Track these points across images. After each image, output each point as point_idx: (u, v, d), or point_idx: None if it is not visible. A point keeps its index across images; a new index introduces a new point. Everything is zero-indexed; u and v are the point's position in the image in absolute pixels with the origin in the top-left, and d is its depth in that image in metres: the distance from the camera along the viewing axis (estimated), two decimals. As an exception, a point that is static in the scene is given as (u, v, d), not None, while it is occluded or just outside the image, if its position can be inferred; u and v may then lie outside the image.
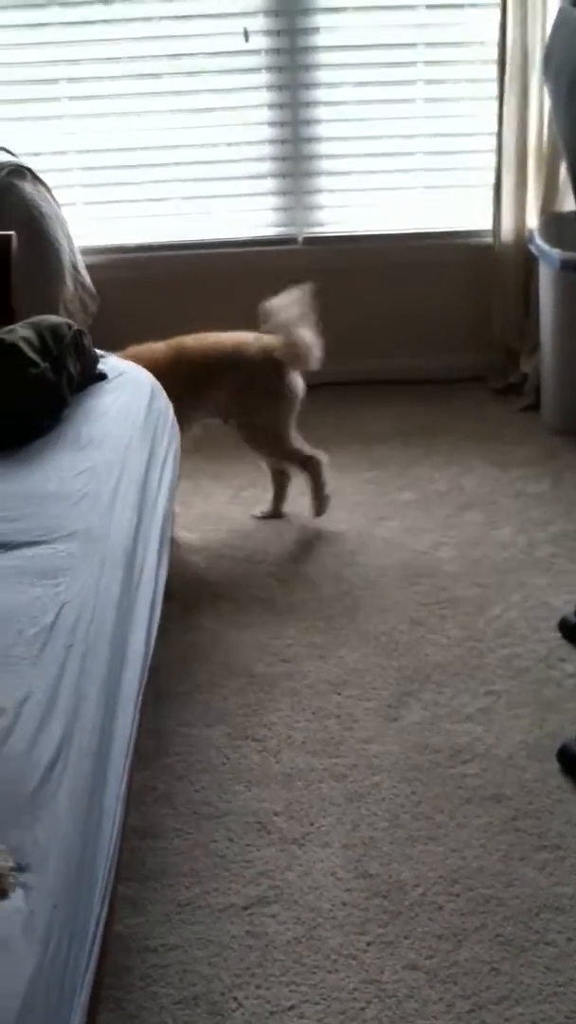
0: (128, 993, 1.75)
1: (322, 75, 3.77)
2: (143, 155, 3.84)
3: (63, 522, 1.99)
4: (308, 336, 3.06)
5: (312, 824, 2.08)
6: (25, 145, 3.57)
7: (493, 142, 3.74)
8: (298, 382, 3.10)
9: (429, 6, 3.71)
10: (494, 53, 3.64)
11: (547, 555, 2.95)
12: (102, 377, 2.57)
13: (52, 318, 2.50)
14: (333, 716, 2.37)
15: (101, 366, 2.59)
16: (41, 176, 3.39)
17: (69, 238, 3.45)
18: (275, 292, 3.94)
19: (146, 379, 2.65)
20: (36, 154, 3.61)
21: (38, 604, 1.74)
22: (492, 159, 3.76)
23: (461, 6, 3.73)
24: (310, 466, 3.11)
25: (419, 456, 3.54)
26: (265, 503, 3.23)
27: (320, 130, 3.84)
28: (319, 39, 3.72)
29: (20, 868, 1.29)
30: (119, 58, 3.71)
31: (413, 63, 3.79)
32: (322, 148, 3.87)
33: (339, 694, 2.44)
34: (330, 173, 3.91)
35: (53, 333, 2.41)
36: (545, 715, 2.35)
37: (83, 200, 3.85)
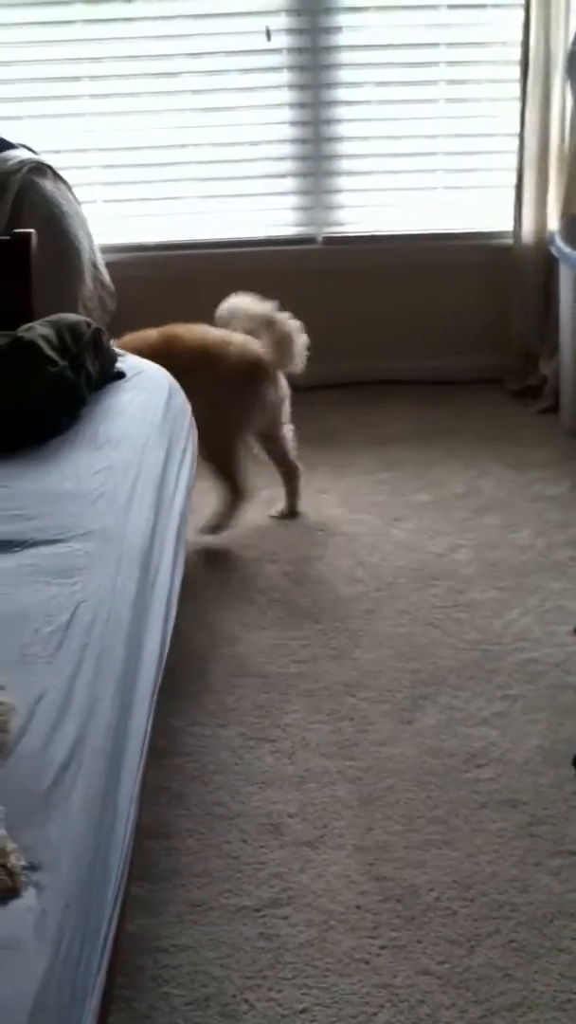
0: (139, 993, 1.75)
1: (343, 74, 3.77)
2: (163, 153, 3.86)
3: (80, 521, 1.99)
4: (293, 329, 3.02)
5: (326, 827, 2.08)
6: (46, 143, 3.59)
7: (515, 143, 3.73)
8: (272, 393, 3.03)
9: (451, 6, 3.71)
10: (517, 54, 3.63)
11: (565, 558, 2.94)
12: (120, 376, 2.57)
13: (71, 316, 2.51)
14: (347, 718, 2.36)
15: (119, 365, 2.59)
16: (62, 174, 3.40)
17: (89, 236, 3.46)
18: (294, 292, 3.95)
19: (164, 378, 2.65)
20: (57, 151, 3.62)
21: (54, 603, 1.74)
22: (513, 160, 3.75)
23: (484, 6, 3.72)
24: (236, 495, 3.06)
25: (436, 457, 3.53)
26: (281, 501, 3.22)
27: (341, 130, 3.84)
28: (341, 38, 3.72)
29: (32, 867, 1.29)
30: (141, 56, 3.72)
31: (435, 63, 3.79)
32: (343, 148, 3.87)
33: (354, 696, 2.43)
34: (350, 173, 3.91)
35: (72, 331, 2.41)
36: (562, 720, 2.33)
37: (103, 198, 3.86)
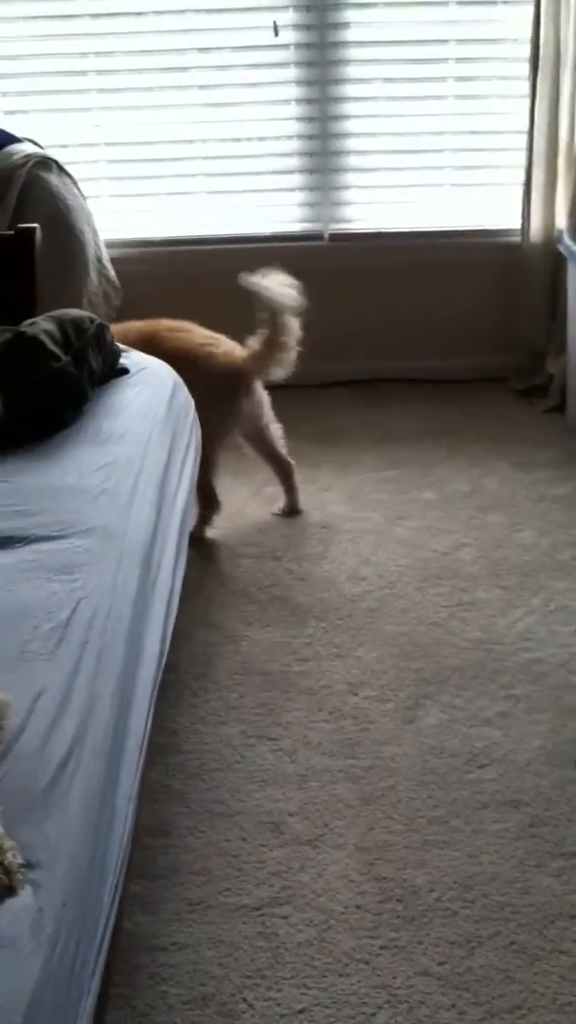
0: (137, 992, 1.75)
1: (351, 71, 3.75)
2: (170, 148, 3.84)
3: (81, 517, 1.98)
4: (293, 334, 2.97)
5: (326, 826, 2.07)
6: (53, 137, 3.58)
7: (523, 140, 3.71)
8: (246, 405, 2.99)
9: (460, 2, 3.69)
10: (526, 50, 3.60)
11: (569, 558, 2.92)
12: (124, 371, 2.56)
13: (74, 312, 2.50)
14: (349, 717, 2.36)
15: (123, 360, 2.58)
16: (68, 168, 3.39)
17: (94, 231, 3.45)
18: (300, 288, 3.93)
19: (168, 374, 2.64)
20: (64, 146, 3.61)
21: (54, 599, 1.73)
22: (522, 158, 3.73)
23: (494, 3, 3.70)
24: (206, 504, 3.02)
25: (442, 456, 3.52)
26: (283, 498, 3.21)
27: (349, 126, 3.83)
28: (349, 34, 3.70)
29: (29, 865, 1.28)
30: (148, 51, 3.71)
31: (444, 60, 3.77)
32: (350, 144, 3.85)
33: (356, 695, 2.42)
34: (358, 169, 3.89)
35: (75, 327, 2.40)
36: (565, 721, 2.32)
37: (109, 193, 3.85)
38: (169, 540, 2.17)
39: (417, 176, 3.90)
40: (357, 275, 3.93)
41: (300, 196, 3.93)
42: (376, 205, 3.94)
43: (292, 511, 3.20)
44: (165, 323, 3.01)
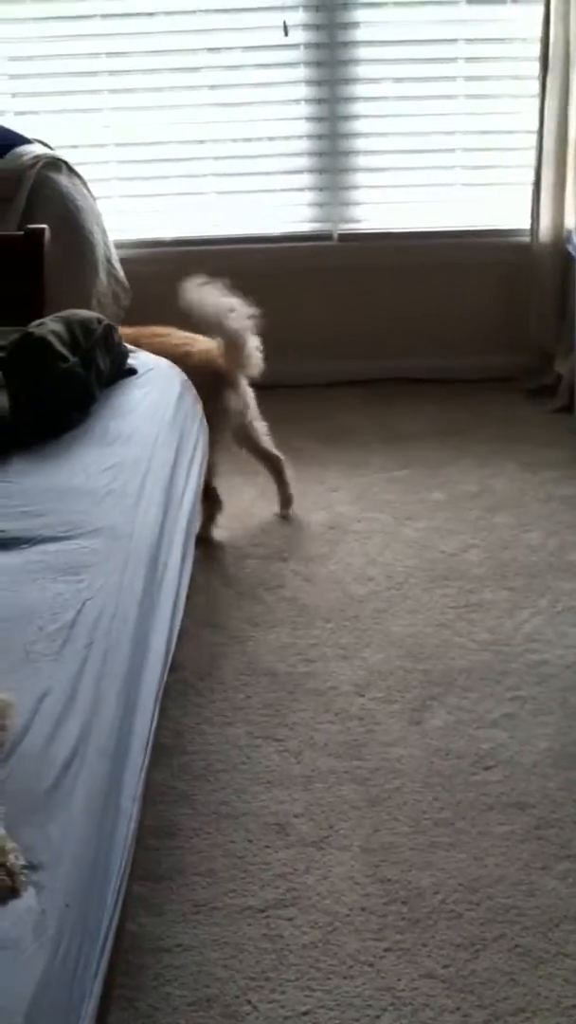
0: (141, 993, 1.75)
1: (361, 70, 3.75)
2: (180, 149, 3.85)
3: (88, 518, 1.98)
4: (247, 332, 2.92)
5: (332, 827, 2.07)
6: (63, 137, 3.58)
7: (533, 140, 3.69)
8: (234, 401, 2.96)
9: (470, 1, 3.68)
10: (536, 50, 3.60)
11: (577, 559, 2.92)
12: (131, 372, 2.56)
13: (82, 312, 2.50)
14: (356, 718, 2.35)
15: (131, 361, 2.58)
16: (78, 169, 3.39)
17: (103, 231, 3.45)
18: (310, 288, 3.94)
19: (176, 375, 2.64)
20: (74, 146, 3.61)
21: (60, 600, 1.74)
22: (531, 157, 3.72)
23: (503, 2, 3.70)
24: (211, 508, 3.01)
25: (450, 457, 3.51)
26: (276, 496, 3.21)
27: (358, 126, 3.83)
28: (359, 34, 3.70)
29: (32, 867, 1.28)
30: (158, 51, 3.71)
31: (454, 59, 3.76)
32: (360, 144, 3.85)
33: (362, 696, 2.42)
34: (367, 169, 3.89)
35: (83, 327, 2.40)
36: (572, 723, 2.31)
37: (120, 193, 3.86)
38: (176, 541, 2.17)
39: (426, 176, 3.90)
40: (366, 275, 3.93)
41: (309, 196, 3.92)
42: (385, 205, 3.93)
43: (286, 504, 3.18)
44: (148, 330, 2.99)
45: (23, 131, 3.40)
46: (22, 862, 1.27)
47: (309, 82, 3.76)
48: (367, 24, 3.69)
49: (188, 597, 2.28)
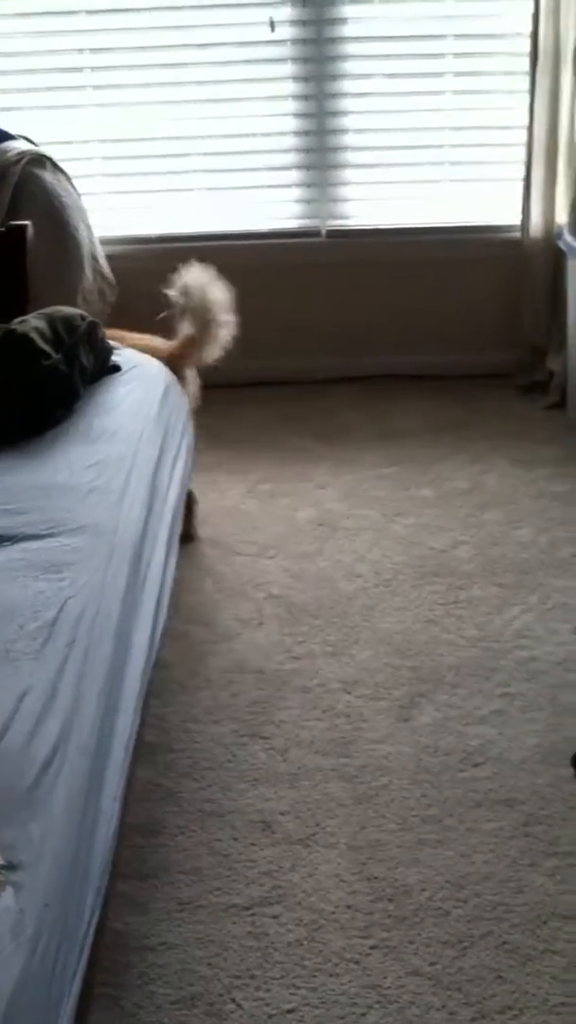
0: (125, 991, 1.74)
1: (349, 66, 3.74)
2: (166, 145, 3.83)
3: (71, 516, 1.97)
4: (223, 318, 2.89)
5: (318, 825, 2.06)
6: (48, 134, 3.57)
7: (523, 136, 3.69)
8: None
9: (459, -3, 3.67)
10: (526, 45, 3.59)
11: (568, 556, 2.91)
12: (116, 369, 2.55)
13: (65, 309, 2.49)
14: (343, 715, 2.34)
15: (115, 358, 2.57)
16: (63, 165, 3.38)
17: (89, 227, 3.44)
18: (298, 285, 3.93)
19: (161, 372, 2.62)
20: (59, 143, 3.60)
21: (41, 598, 1.72)
22: (522, 153, 3.71)
23: (492, -3, 3.68)
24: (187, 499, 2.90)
25: (442, 453, 3.50)
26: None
27: (346, 122, 3.81)
28: (346, 29, 3.69)
29: (11, 866, 1.27)
30: (144, 47, 3.69)
31: (442, 55, 3.75)
32: (348, 140, 3.84)
33: (350, 693, 2.41)
34: (356, 165, 3.88)
35: (66, 324, 2.39)
36: (561, 719, 2.30)
37: (105, 190, 3.84)
38: (160, 538, 2.16)
39: (416, 172, 3.88)
40: (355, 272, 3.92)
41: (297, 192, 3.91)
42: (374, 201, 3.92)
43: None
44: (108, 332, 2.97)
45: (7, 127, 3.38)
46: (1, 862, 1.26)
47: (296, 78, 3.75)
48: (355, 20, 3.68)
49: (175, 595, 2.27)
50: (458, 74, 3.78)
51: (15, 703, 1.50)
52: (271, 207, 3.92)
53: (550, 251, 3.75)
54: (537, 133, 3.64)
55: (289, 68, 3.74)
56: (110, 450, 2.20)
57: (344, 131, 3.82)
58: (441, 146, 3.88)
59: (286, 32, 3.67)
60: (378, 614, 2.69)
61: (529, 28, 3.55)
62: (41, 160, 3.25)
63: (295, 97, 3.78)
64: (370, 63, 3.75)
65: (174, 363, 2.85)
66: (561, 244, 3.59)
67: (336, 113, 3.79)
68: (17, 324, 2.35)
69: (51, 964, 1.24)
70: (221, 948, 1.81)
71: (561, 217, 3.71)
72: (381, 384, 3.95)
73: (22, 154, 3.20)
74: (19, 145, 3.28)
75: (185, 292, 2.87)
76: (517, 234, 3.81)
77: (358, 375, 3.99)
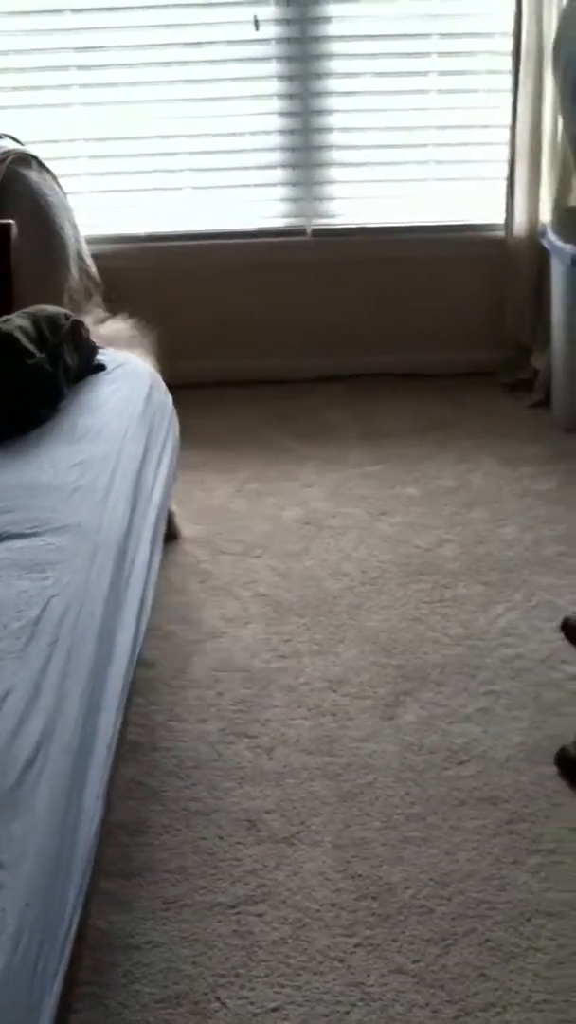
0: (110, 990, 1.74)
1: (333, 65, 3.73)
2: (152, 144, 3.82)
3: (55, 515, 1.97)
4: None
5: (303, 823, 2.06)
6: (34, 133, 3.55)
7: (507, 135, 3.69)
8: None
9: (443, -4, 3.67)
10: (509, 45, 3.59)
11: (553, 554, 2.91)
12: (100, 368, 2.55)
13: (49, 308, 2.48)
14: (329, 714, 2.35)
15: (100, 357, 2.57)
16: (49, 164, 3.37)
17: (75, 226, 3.43)
18: (283, 284, 3.93)
19: (145, 371, 2.62)
20: (45, 142, 3.58)
21: (24, 597, 1.72)
22: (505, 152, 3.72)
23: (476, -4, 3.69)
24: None
25: (428, 452, 3.51)
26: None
27: (331, 120, 3.81)
28: (331, 28, 3.68)
29: (-7, 866, 1.27)
30: (129, 46, 3.69)
31: (427, 54, 3.75)
32: (333, 139, 3.83)
33: (335, 692, 2.41)
34: (340, 164, 3.87)
35: (50, 323, 2.39)
36: (545, 717, 2.31)
37: (91, 189, 3.83)
38: (144, 537, 2.16)
39: (400, 171, 3.88)
40: (341, 270, 3.92)
41: (282, 191, 3.90)
42: (359, 200, 3.91)
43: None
44: None
45: (-7, 126, 3.37)
46: (-18, 861, 1.26)
47: (281, 77, 3.74)
48: (339, 19, 3.67)
49: (161, 594, 2.27)
50: (443, 73, 3.78)
51: (-3, 703, 1.50)
52: (256, 206, 3.91)
53: (534, 250, 3.75)
54: (520, 132, 3.65)
55: (274, 67, 3.73)
56: (94, 449, 2.20)
57: (329, 130, 3.82)
58: (426, 145, 3.88)
59: (270, 31, 3.67)
60: (364, 612, 2.69)
61: (512, 27, 3.55)
62: (27, 159, 3.24)
63: (280, 96, 3.77)
64: (355, 62, 3.74)
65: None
66: (545, 243, 3.60)
67: (321, 112, 3.78)
68: (1, 323, 2.34)
69: (32, 963, 1.24)
70: (206, 947, 1.81)
71: (545, 216, 3.72)
72: (367, 383, 3.95)
73: (7, 153, 3.18)
74: (4, 144, 3.27)
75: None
76: (501, 233, 3.82)
77: (344, 374, 3.99)
